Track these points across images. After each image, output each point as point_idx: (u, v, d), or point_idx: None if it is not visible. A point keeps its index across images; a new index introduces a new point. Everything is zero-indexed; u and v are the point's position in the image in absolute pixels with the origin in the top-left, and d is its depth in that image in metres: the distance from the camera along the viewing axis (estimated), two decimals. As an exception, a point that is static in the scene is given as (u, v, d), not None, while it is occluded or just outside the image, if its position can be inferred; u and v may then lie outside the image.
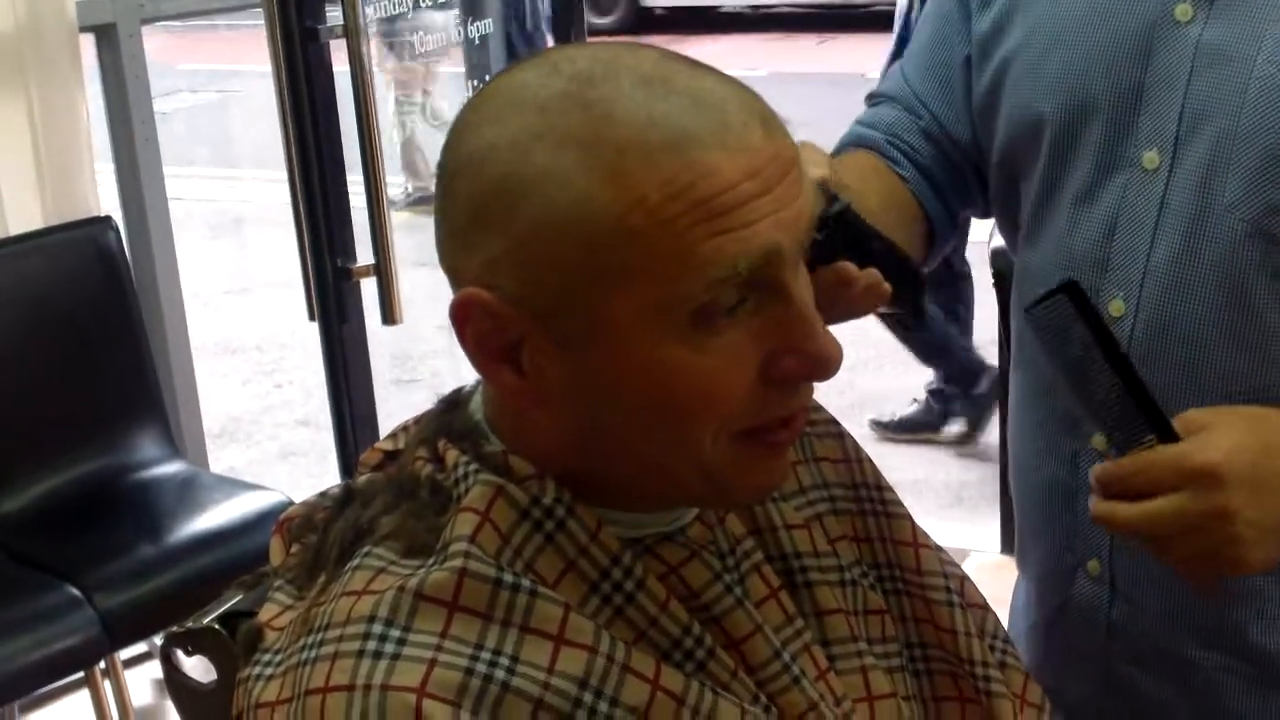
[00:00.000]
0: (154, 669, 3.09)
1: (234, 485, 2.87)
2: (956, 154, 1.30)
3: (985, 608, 1.06)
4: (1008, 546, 3.40)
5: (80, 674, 2.62)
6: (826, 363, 0.82)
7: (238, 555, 2.63)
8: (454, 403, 0.93)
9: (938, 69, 1.30)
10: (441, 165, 0.84)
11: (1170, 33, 1.13)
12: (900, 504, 1.04)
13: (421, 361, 5.04)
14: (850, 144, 1.34)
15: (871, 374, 4.52)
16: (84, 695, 2.72)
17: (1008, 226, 1.32)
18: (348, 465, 2.85)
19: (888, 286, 1.00)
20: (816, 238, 0.86)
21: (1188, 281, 1.13)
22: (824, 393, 0.91)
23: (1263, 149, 1.08)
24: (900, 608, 1.01)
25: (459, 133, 0.84)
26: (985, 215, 1.37)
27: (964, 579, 1.05)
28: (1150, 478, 0.99)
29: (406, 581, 0.80)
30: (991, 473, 3.47)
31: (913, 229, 1.29)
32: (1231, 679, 1.20)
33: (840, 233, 1.01)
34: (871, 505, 1.03)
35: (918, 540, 1.03)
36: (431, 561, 0.82)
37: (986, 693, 1.00)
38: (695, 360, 0.79)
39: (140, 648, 3.01)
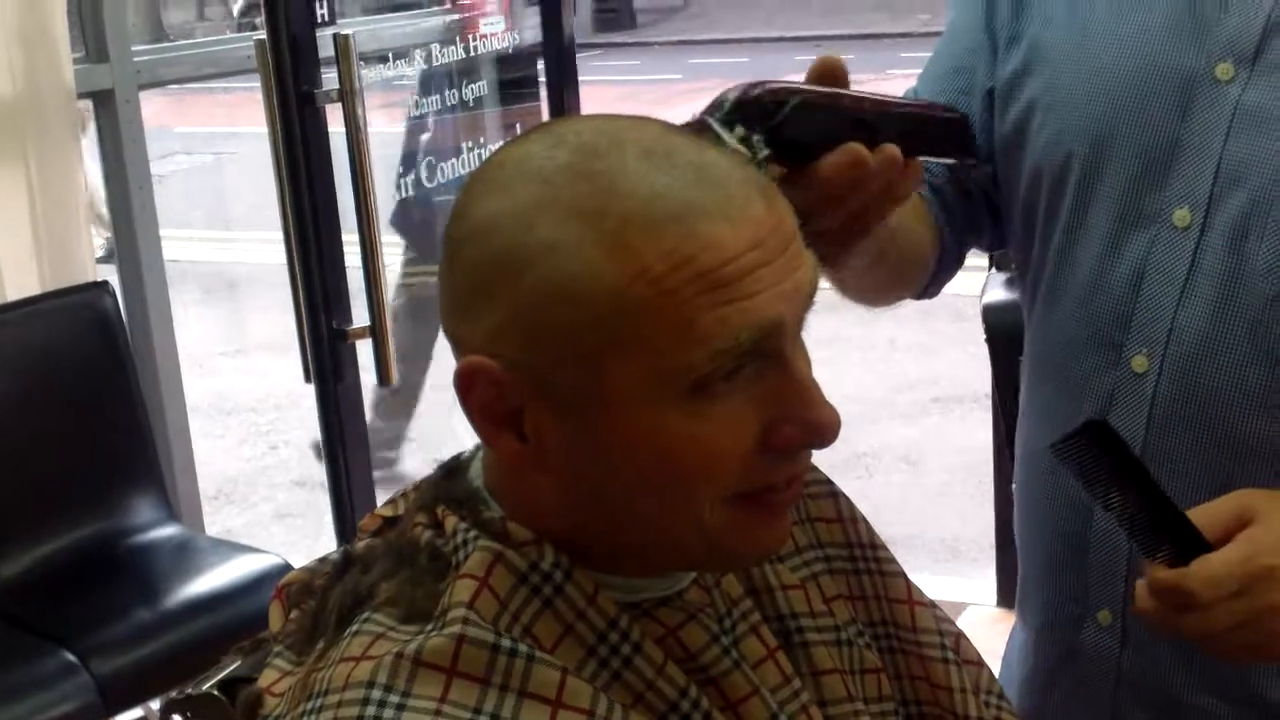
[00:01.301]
0: (151, 734, 3.08)
1: (230, 548, 2.88)
2: (971, 182, 1.30)
3: (980, 664, 1.07)
4: (1004, 599, 3.40)
5: (76, 740, 2.61)
6: (824, 430, 0.83)
7: (234, 619, 2.63)
8: (452, 469, 0.94)
9: (956, 97, 1.27)
10: (446, 233, 0.86)
11: (1209, 91, 1.12)
12: (895, 562, 1.05)
13: (415, 422, 5.04)
14: None
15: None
16: (79, 761, 2.70)
17: (1022, 270, 1.30)
18: (344, 526, 2.86)
19: (901, 155, 0.96)
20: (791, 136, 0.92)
21: (1217, 343, 1.12)
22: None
23: None
24: (896, 666, 1.01)
25: (464, 203, 0.85)
26: (990, 248, 1.36)
27: (959, 635, 1.06)
28: (1216, 590, 0.98)
29: (405, 647, 0.81)
30: (987, 525, 3.47)
31: (931, 250, 1.29)
32: None
33: (818, 120, 0.96)
34: (866, 564, 1.04)
35: (913, 598, 1.03)
36: (430, 627, 0.82)
37: None
38: (695, 427, 0.80)
39: (136, 713, 2.99)
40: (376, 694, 0.79)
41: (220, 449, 5.00)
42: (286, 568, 2.71)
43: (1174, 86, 1.13)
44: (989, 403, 3.56)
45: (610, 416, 0.81)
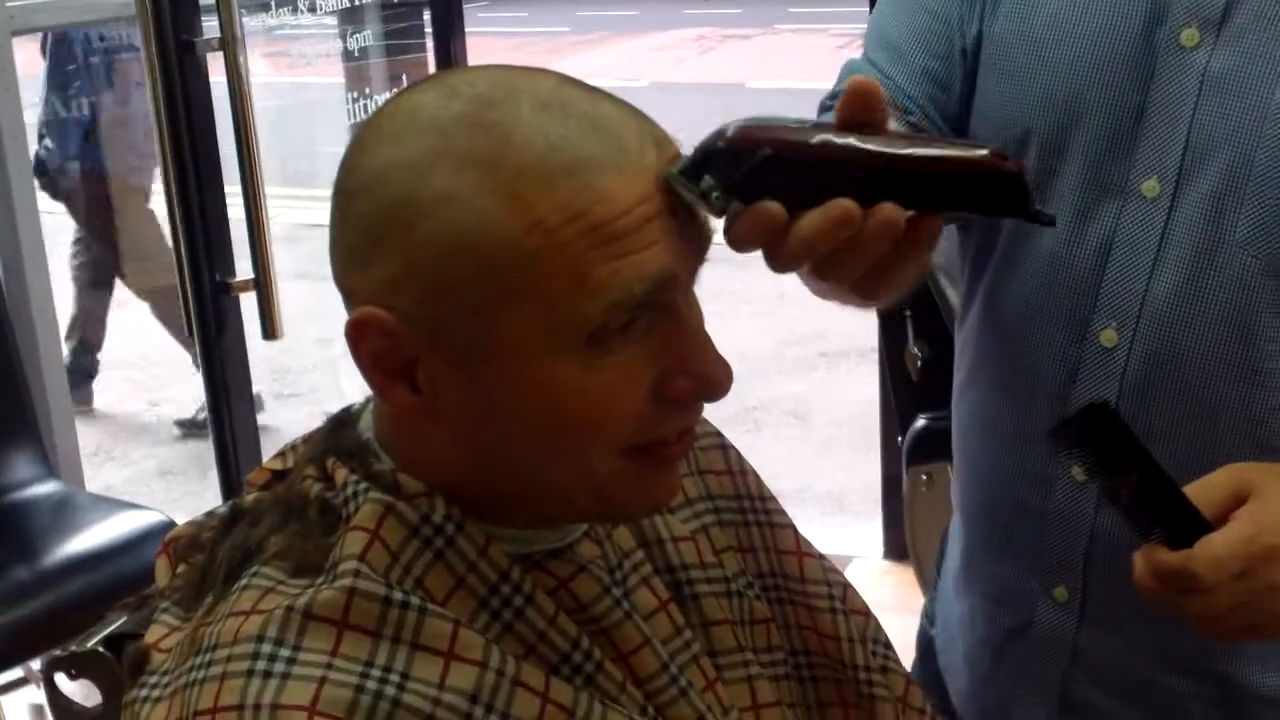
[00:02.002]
0: (31, 694, 3.02)
1: (111, 505, 2.82)
2: None
3: (867, 614, 1.08)
4: (890, 552, 3.46)
5: (-47, 701, 2.56)
6: (717, 383, 0.84)
7: (116, 576, 2.58)
8: (342, 421, 0.93)
9: (934, 64, 1.17)
10: (337, 185, 0.85)
11: (1175, 58, 1.09)
12: (784, 514, 1.06)
13: (301, 376, 4.99)
14: None
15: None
16: (-44, 723, 2.66)
17: (964, 239, 1.26)
18: (229, 482, 2.82)
19: (900, 219, 0.80)
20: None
21: (1191, 316, 1.10)
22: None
23: None
24: (785, 616, 1.03)
25: (355, 153, 0.84)
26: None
27: (846, 586, 1.07)
28: (1220, 572, 0.96)
29: (295, 600, 0.80)
30: (874, 479, 3.53)
31: None
32: (1197, 704, 1.21)
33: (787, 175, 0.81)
34: (755, 516, 1.05)
35: (801, 549, 1.05)
36: (321, 580, 0.82)
37: (870, 697, 1.02)
38: (588, 379, 0.81)
39: (16, 673, 2.94)
40: (266, 648, 0.79)
41: (101, 403, 4.91)
42: (169, 524, 2.67)
43: (1137, 52, 1.10)
44: (875, 357, 3.60)
45: (504, 368, 0.81)
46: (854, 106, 0.82)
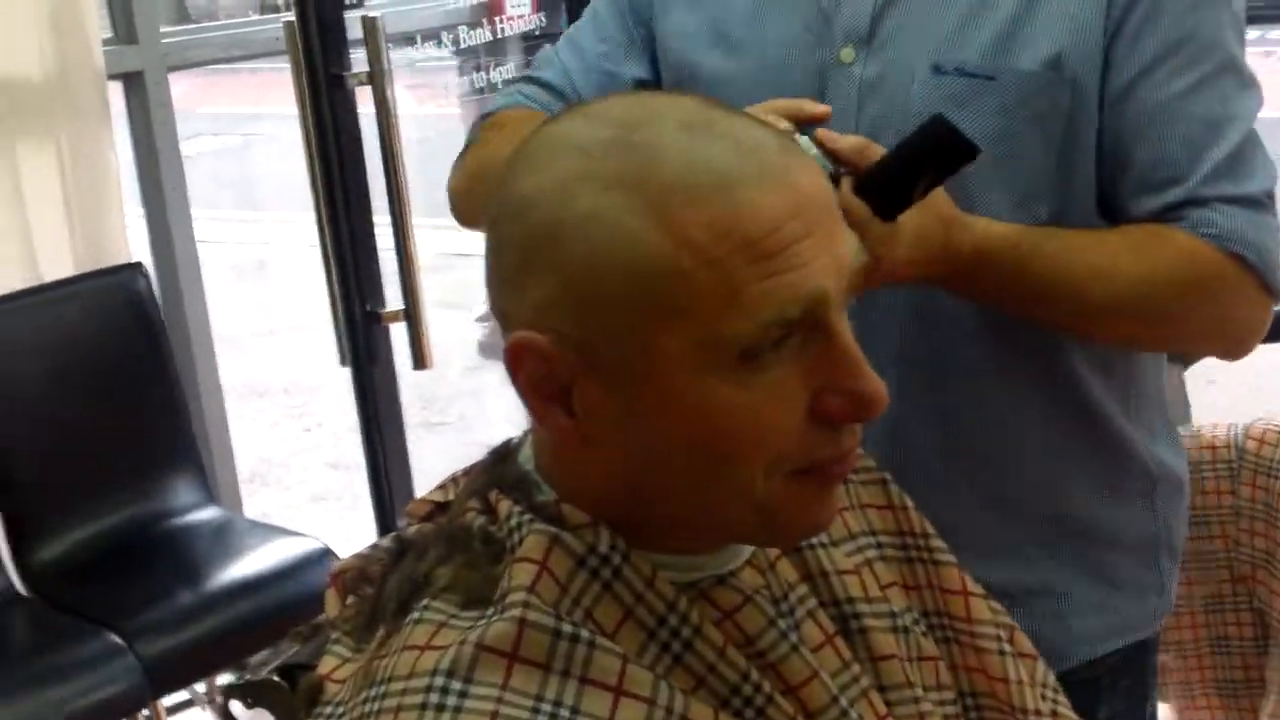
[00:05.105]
0: (195, 716, 3.09)
1: (269, 531, 2.88)
2: None
3: (1035, 656, 1.06)
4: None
5: (121, 722, 2.62)
6: (871, 402, 0.83)
7: (276, 602, 2.64)
8: (503, 454, 0.94)
9: (601, 77, 1.38)
10: (487, 214, 0.86)
11: (838, 73, 1.27)
12: (947, 551, 1.04)
13: (449, 404, 5.05)
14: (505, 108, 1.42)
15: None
16: (124, 743, 2.72)
17: None
18: (382, 509, 2.86)
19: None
20: None
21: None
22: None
23: None
24: (951, 656, 1.01)
25: (506, 179, 0.85)
26: None
27: (1013, 628, 1.05)
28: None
29: (467, 635, 0.81)
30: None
31: None
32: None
33: None
34: (919, 553, 1.03)
35: (967, 588, 1.03)
36: (491, 612, 0.82)
37: None
38: (743, 397, 0.80)
39: (181, 695, 3.01)
40: (439, 681, 0.79)
41: (254, 430, 5.02)
42: (325, 551, 2.73)
43: (810, 76, 1.28)
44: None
45: (658, 387, 0.81)
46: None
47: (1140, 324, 1.23)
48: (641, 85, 1.37)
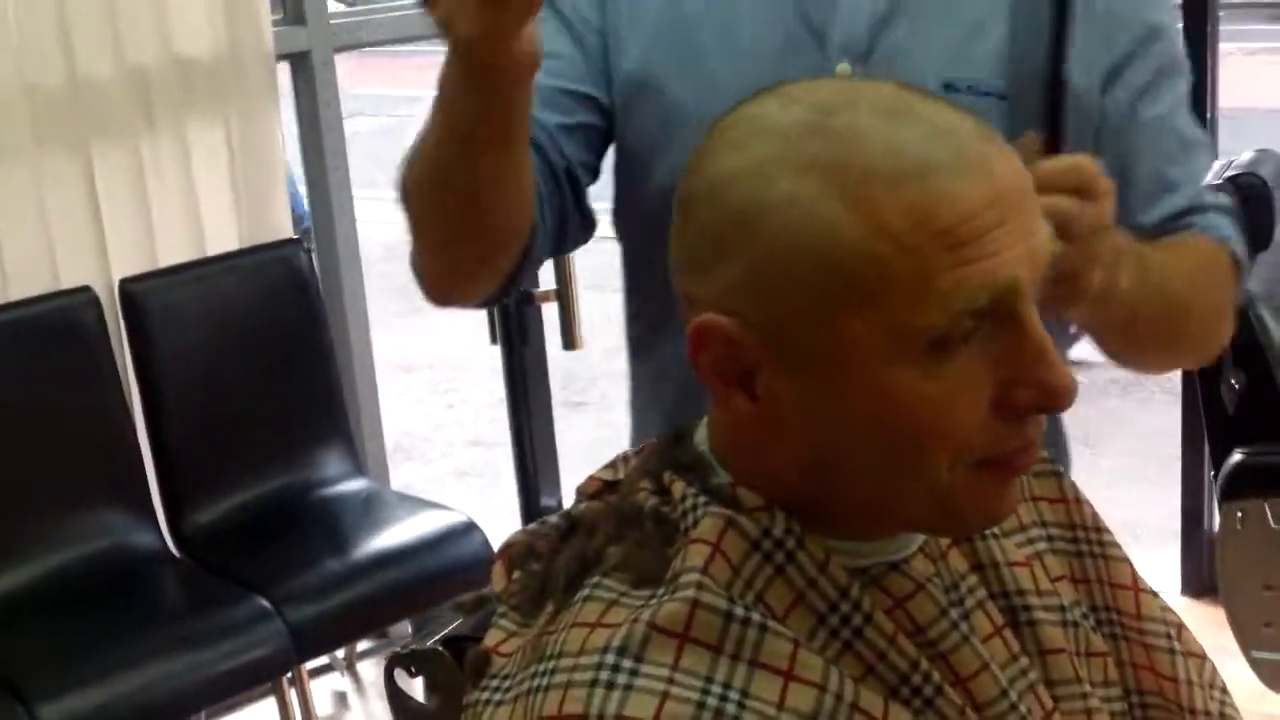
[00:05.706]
0: (335, 681, 3.16)
1: (415, 503, 2.93)
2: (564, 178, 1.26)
3: (1203, 656, 1.04)
4: (1188, 588, 3.31)
5: (266, 684, 2.69)
6: (1060, 394, 0.82)
7: (420, 573, 2.69)
8: (678, 435, 0.94)
9: (561, 101, 1.27)
10: (679, 193, 0.86)
11: None
12: (1118, 547, 1.03)
13: (590, 385, 5.09)
14: None
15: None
16: (268, 704, 2.79)
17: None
18: (526, 486, 2.89)
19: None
20: None
21: None
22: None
23: None
24: (1119, 653, 0.99)
25: (699, 161, 0.85)
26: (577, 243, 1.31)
27: (1181, 626, 1.03)
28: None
29: (640, 614, 0.81)
30: (1168, 511, 3.39)
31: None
32: None
33: None
34: (1090, 547, 1.02)
35: (1137, 585, 1.01)
36: (662, 592, 0.83)
37: None
38: (929, 387, 0.80)
39: (323, 659, 3.07)
40: (610, 658, 0.80)
41: (400, 405, 5.10)
42: (470, 525, 2.76)
43: None
44: (1169, 386, 3.46)
45: (844, 374, 0.80)
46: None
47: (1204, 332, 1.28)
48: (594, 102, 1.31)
